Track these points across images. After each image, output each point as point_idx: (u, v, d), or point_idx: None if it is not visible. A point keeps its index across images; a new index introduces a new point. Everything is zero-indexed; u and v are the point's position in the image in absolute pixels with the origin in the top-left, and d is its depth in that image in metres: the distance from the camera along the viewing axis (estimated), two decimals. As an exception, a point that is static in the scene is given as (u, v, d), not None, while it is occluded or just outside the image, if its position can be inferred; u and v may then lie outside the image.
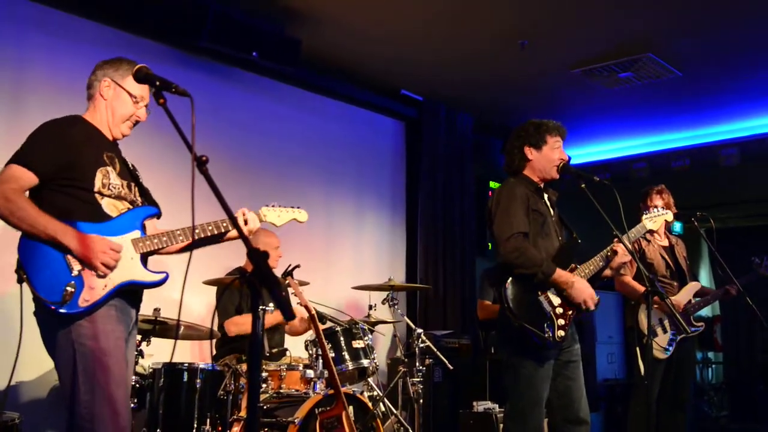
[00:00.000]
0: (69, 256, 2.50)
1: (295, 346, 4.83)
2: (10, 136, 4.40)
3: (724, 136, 7.65)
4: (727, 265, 4.55)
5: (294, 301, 3.96)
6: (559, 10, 5.24)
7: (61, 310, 2.46)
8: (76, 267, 2.51)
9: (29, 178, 2.57)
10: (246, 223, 2.87)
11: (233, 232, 2.82)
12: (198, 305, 5.04)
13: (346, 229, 6.43)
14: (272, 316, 4.42)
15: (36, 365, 4.33)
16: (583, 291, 3.38)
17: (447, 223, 7.16)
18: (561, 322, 3.36)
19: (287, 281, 3.83)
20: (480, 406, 5.34)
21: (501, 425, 5.01)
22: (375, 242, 6.74)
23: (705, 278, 9.31)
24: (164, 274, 2.70)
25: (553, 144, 3.58)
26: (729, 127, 7.58)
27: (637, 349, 4.39)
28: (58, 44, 4.66)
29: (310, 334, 4.45)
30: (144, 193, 2.87)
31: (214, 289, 4.45)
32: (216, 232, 2.82)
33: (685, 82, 6.46)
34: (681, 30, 5.54)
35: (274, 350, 4.64)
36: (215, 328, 4.56)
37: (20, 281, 2.50)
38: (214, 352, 4.51)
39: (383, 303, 5.15)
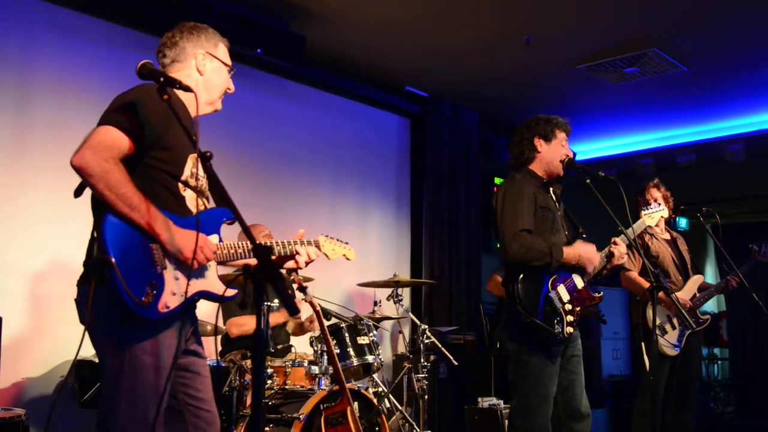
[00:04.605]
0: (155, 252, 2.17)
1: (300, 343, 4.83)
2: (16, 134, 4.43)
3: (730, 131, 7.63)
4: (733, 261, 4.54)
5: (299, 297, 3.96)
6: (564, 5, 5.22)
7: (143, 312, 2.11)
8: (161, 265, 2.17)
9: (126, 146, 2.17)
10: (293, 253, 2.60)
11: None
12: (203, 301, 5.04)
13: (351, 226, 6.43)
14: (275, 315, 4.43)
15: (43, 361, 4.35)
16: (591, 256, 3.43)
17: (452, 219, 7.16)
18: (570, 318, 3.39)
19: (292, 277, 3.83)
20: (485, 402, 5.34)
21: (506, 421, 5.01)
22: (380, 239, 6.74)
23: (711, 274, 9.29)
24: (235, 291, 2.40)
25: (561, 139, 3.62)
26: (735, 122, 7.56)
27: (643, 344, 4.39)
28: (61, 41, 4.67)
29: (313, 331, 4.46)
30: (214, 187, 2.42)
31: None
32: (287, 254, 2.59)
33: (691, 78, 6.43)
34: (686, 25, 5.51)
35: (279, 347, 4.64)
36: (220, 324, 4.57)
37: (104, 264, 2.08)
38: (219, 348, 4.52)
39: (388, 299, 5.15)
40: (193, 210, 2.35)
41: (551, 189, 3.62)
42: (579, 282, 3.46)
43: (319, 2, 5.22)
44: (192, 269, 2.22)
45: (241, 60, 5.48)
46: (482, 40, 5.81)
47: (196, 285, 2.28)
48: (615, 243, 3.54)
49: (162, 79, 2.19)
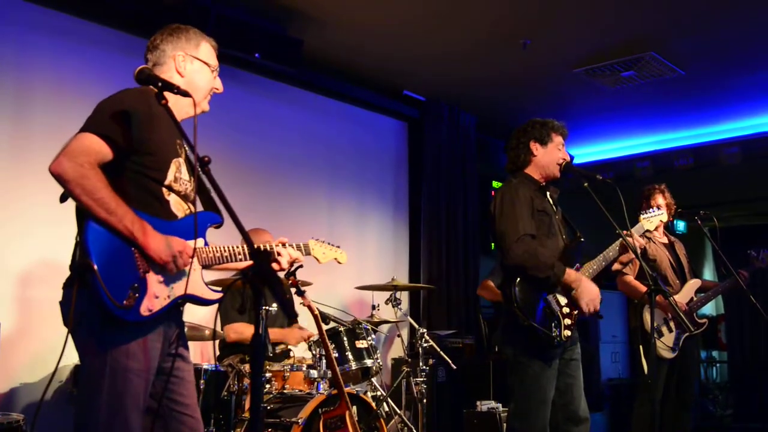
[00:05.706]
0: (138, 255, 2.18)
1: (299, 347, 4.83)
2: (14, 139, 4.43)
3: (726, 134, 7.64)
4: (731, 264, 4.54)
5: (297, 301, 3.96)
6: (561, 9, 5.23)
7: (124, 316, 2.13)
8: (143, 268, 2.18)
9: (105, 152, 2.19)
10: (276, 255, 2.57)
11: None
12: (203, 306, 5.03)
13: (349, 230, 6.43)
14: (280, 332, 4.44)
15: (40, 366, 4.34)
16: (589, 291, 3.39)
17: (450, 222, 7.16)
18: (567, 321, 3.38)
19: (290, 281, 3.83)
20: (484, 405, 5.33)
21: (504, 425, 5.01)
22: (378, 242, 6.74)
23: (709, 277, 9.30)
24: (222, 293, 2.43)
25: (558, 143, 3.62)
26: (731, 125, 7.58)
27: (641, 348, 4.40)
28: (60, 46, 4.66)
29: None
30: (201, 189, 2.47)
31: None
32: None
33: (688, 81, 6.45)
34: (683, 28, 5.53)
35: (278, 351, 4.64)
36: (218, 329, 4.56)
37: (85, 268, 2.11)
38: (218, 353, 4.52)
39: (386, 303, 5.15)
40: (178, 214, 2.35)
41: (548, 193, 3.63)
42: (562, 299, 3.42)
43: (317, 6, 5.22)
44: (176, 271, 2.23)
45: (239, 64, 5.49)
46: (480, 43, 5.82)
47: (179, 288, 2.28)
48: (629, 234, 3.52)
49: (160, 83, 2.20)
